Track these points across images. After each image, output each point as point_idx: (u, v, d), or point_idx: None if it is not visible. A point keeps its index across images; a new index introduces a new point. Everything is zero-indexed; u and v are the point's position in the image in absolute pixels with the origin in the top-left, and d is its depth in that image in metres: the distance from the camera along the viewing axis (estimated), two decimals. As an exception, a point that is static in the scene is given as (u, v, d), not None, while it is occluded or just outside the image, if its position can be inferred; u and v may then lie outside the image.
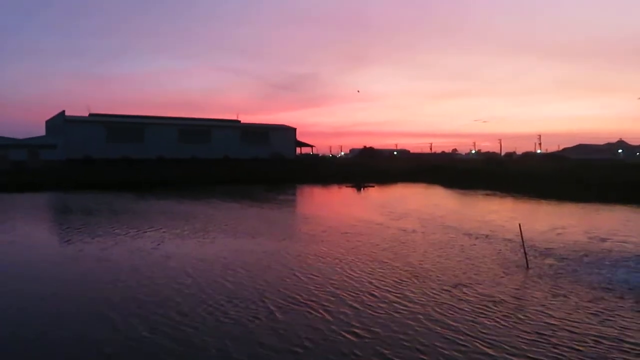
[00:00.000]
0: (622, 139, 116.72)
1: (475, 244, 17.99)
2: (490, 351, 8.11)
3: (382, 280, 12.82)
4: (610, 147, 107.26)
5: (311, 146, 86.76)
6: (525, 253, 14.96)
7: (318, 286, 12.26)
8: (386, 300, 11.05)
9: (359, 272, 13.78)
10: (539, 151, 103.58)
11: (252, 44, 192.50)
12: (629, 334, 8.91)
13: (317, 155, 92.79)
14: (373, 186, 52.00)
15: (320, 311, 10.29)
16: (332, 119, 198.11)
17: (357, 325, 9.44)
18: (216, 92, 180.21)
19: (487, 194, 41.51)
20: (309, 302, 10.88)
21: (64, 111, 69.74)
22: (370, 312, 10.28)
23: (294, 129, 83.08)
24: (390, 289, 12.01)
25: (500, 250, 16.84)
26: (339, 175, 60.84)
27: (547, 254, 15.89)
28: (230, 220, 24.97)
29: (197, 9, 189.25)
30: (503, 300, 10.98)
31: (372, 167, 69.56)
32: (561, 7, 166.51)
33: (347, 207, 33.08)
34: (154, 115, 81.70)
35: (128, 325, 9.50)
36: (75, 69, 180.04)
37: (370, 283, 12.61)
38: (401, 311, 10.30)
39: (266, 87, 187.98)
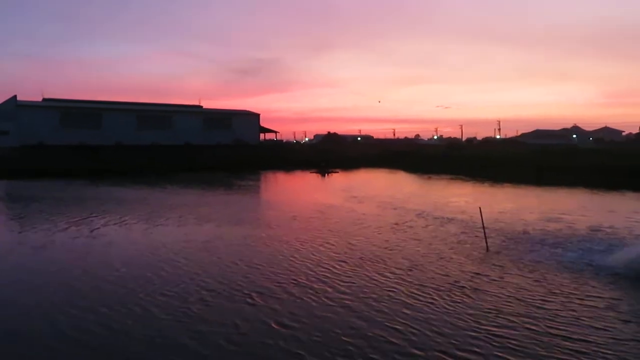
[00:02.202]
0: (577, 125, 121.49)
1: (436, 227, 18.33)
2: (444, 331, 8.21)
3: (337, 266, 12.70)
4: (566, 133, 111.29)
5: (275, 132, 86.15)
6: (485, 236, 15.31)
7: (262, 274, 11.95)
8: (339, 286, 10.93)
9: (311, 257, 13.66)
10: (498, 136, 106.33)
11: (214, 28, 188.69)
12: (577, 309, 9.27)
13: (281, 141, 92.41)
14: (337, 172, 52.16)
15: (256, 299, 9.99)
16: (296, 104, 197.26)
17: (294, 314, 9.10)
18: (177, 77, 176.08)
19: (449, 179, 42.33)
20: (246, 291, 10.49)
21: (15, 96, 66.59)
22: (313, 299, 9.98)
23: (258, 115, 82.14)
24: (343, 274, 11.88)
25: (460, 233, 17.21)
26: (303, 161, 60.68)
27: (506, 236, 16.34)
28: (185, 207, 24.52)
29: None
30: (460, 281, 11.20)
31: (336, 152, 69.71)
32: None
33: (310, 193, 33.09)
34: (112, 101, 79.08)
35: (52, 315, 9.17)
36: (28, 53, 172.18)
37: (320, 267, 12.49)
38: (354, 296, 10.24)
39: (229, 72, 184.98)
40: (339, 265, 12.70)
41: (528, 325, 8.40)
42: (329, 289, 10.59)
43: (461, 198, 28.28)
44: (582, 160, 43.11)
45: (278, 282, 11.19)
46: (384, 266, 12.52)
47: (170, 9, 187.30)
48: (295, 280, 11.37)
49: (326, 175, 49.59)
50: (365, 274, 11.78)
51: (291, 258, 13.50)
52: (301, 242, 15.56)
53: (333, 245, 15.21)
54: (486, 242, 14.95)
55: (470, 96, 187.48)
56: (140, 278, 11.65)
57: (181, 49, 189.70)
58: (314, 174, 50.82)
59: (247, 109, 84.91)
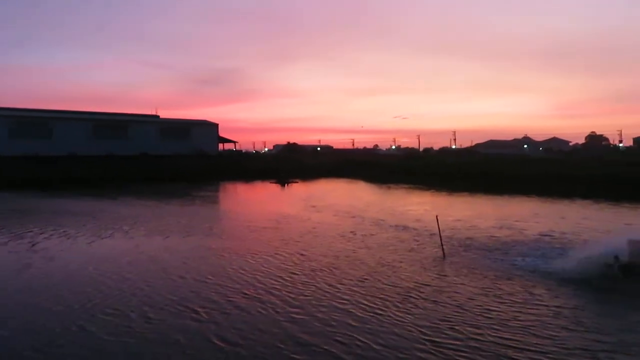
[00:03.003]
0: (527, 135, 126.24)
1: (392, 236, 18.28)
2: (390, 343, 8.03)
3: (288, 277, 12.37)
4: (517, 143, 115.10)
5: (234, 142, 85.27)
6: (442, 244, 15.33)
7: (210, 287, 11.49)
8: (287, 298, 10.61)
9: (261, 269, 13.26)
10: (454, 146, 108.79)
11: (173, 36, 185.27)
12: (523, 318, 9.27)
13: (241, 151, 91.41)
14: (297, 182, 51.89)
15: (201, 314, 9.53)
16: (256, 114, 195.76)
17: (239, 330, 8.72)
18: (133, 86, 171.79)
19: (408, 188, 42.72)
20: (192, 306, 10.02)
21: (-43, 104, 63.32)
22: (260, 313, 9.61)
23: (216, 125, 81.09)
24: (293, 286, 11.55)
25: (416, 241, 17.21)
26: (262, 171, 60.13)
27: (462, 244, 16.43)
28: (136, 219, 23.67)
29: (113, 1, 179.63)
30: (412, 291, 11.06)
31: (296, 163, 69.46)
32: (474, 10, 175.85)
33: (268, 203, 32.66)
34: (65, 110, 76.39)
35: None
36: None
37: (270, 279, 12.12)
38: (302, 308, 9.94)
39: (187, 81, 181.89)
40: (290, 276, 12.36)
41: (474, 336, 8.29)
42: (277, 302, 10.24)
43: (419, 207, 28.48)
44: (533, 170, 44.44)
45: (225, 296, 10.75)
46: (335, 276, 12.27)
47: (128, 16, 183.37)
48: (243, 293, 10.96)
49: (286, 185, 49.23)
50: (315, 285, 11.49)
51: (241, 270, 13.06)
52: (253, 254, 15.14)
53: (285, 255, 14.87)
54: (442, 250, 14.96)
55: (427, 107, 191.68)
56: (80, 294, 10.98)
57: (138, 57, 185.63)
58: (274, 184, 50.39)
59: (206, 119, 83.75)
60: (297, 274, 12.53)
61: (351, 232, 19.10)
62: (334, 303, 10.08)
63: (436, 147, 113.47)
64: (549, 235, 17.95)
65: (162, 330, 8.76)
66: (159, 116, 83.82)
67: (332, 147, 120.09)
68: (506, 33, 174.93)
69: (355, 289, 11.13)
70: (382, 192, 40.59)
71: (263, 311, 9.68)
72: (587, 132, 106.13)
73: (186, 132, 78.19)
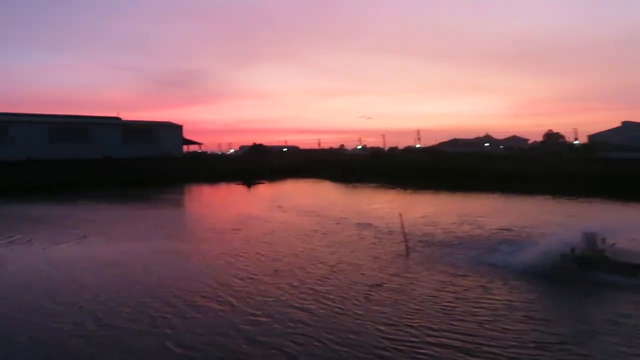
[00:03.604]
0: (488, 134, 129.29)
1: (356, 234, 18.31)
2: (346, 342, 8.02)
3: (248, 278, 12.23)
4: (479, 141, 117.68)
5: (199, 144, 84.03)
6: (405, 241, 15.41)
7: (167, 292, 11.18)
8: (247, 299, 10.46)
9: (223, 271, 13.07)
10: (418, 145, 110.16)
11: (135, 37, 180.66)
12: (479, 313, 9.40)
13: (206, 152, 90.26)
14: (263, 183, 51.52)
15: (157, 320, 9.30)
16: (221, 116, 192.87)
17: (196, 334, 8.58)
18: (95, 88, 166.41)
19: (374, 187, 42.96)
20: (147, 312, 9.75)
21: None
22: (217, 316, 9.45)
23: (181, 127, 79.72)
24: (253, 287, 11.41)
25: (380, 239, 17.27)
26: (228, 173, 59.42)
27: (425, 241, 16.56)
28: (96, 223, 22.87)
29: (73, 1, 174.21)
30: (371, 289, 11.08)
31: (262, 164, 68.94)
32: (436, 13, 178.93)
33: (234, 205, 32.26)
34: (22, 113, 73.63)
35: None
36: None
37: (231, 281, 11.92)
38: (260, 309, 9.83)
39: (151, 83, 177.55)
40: (250, 277, 12.19)
41: (430, 332, 8.34)
42: (237, 304, 10.07)
43: (384, 205, 28.65)
44: (495, 167, 45.44)
45: (184, 299, 10.49)
46: (296, 276, 12.16)
47: (89, 17, 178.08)
48: (202, 295, 10.74)
49: (252, 186, 48.79)
50: (275, 286, 11.35)
51: (201, 272, 12.80)
52: (214, 256, 14.87)
53: (247, 257, 14.67)
54: (407, 247, 15.03)
55: (392, 107, 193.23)
56: (31, 302, 10.53)
57: (100, 59, 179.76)
58: (240, 185, 49.86)
59: (171, 121, 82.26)
60: (258, 275, 12.37)
61: (314, 231, 19.03)
62: (293, 303, 9.98)
63: (401, 146, 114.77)
64: (509, 230, 18.34)
65: (115, 336, 8.47)
66: (120, 118, 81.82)
67: (298, 148, 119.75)
68: (468, 35, 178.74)
69: (316, 288, 11.06)
70: (348, 191, 40.71)
71: (221, 313, 9.50)
72: (545, 130, 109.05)
73: (150, 134, 76.59)
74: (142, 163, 64.68)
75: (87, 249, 16.66)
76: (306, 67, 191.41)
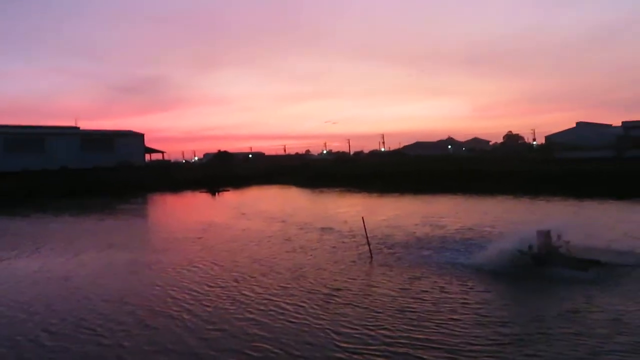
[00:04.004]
0: (451, 136, 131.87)
1: (319, 238, 18.11)
2: (309, 350, 7.81)
3: (204, 288, 11.81)
4: (442, 144, 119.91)
5: (162, 152, 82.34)
6: (368, 244, 15.29)
7: (118, 306, 10.72)
8: (201, 312, 10.07)
9: (178, 282, 12.59)
10: (383, 149, 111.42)
11: (92, 44, 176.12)
12: (438, 313, 9.33)
13: (169, 161, 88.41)
14: (228, 190, 50.85)
15: (105, 337, 8.87)
16: (184, 123, 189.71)
17: (143, 352, 8.18)
18: (52, 96, 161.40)
19: (340, 191, 42.95)
20: (94, 328, 9.30)
21: None
22: (168, 331, 9.04)
23: (142, 135, 78.01)
24: (207, 299, 10.97)
25: (342, 243, 17.12)
26: (193, 181, 58.47)
27: (388, 243, 16.50)
28: (49, 236, 21.92)
29: (24, 3, 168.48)
30: (333, 293, 10.89)
31: (227, 171, 68.16)
32: (397, 18, 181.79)
33: (197, 213, 31.57)
34: (-28, 124, 70.53)
35: None
36: None
37: (185, 292, 11.48)
38: (212, 323, 9.41)
39: (110, 90, 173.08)
40: (205, 289, 11.75)
41: (388, 339, 8.14)
42: (189, 317, 9.65)
43: (349, 209, 28.60)
44: (458, 169, 46.20)
45: (134, 315, 10.00)
46: (253, 286, 11.80)
47: (44, 22, 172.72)
48: (154, 310, 10.25)
49: (216, 194, 48.06)
50: (231, 297, 10.96)
51: (155, 285, 12.27)
52: (170, 267, 14.35)
53: (203, 267, 14.21)
54: (370, 251, 14.92)
55: (356, 111, 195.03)
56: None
57: (56, 66, 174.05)
58: (204, 193, 49.06)
59: (131, 129, 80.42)
60: (213, 286, 11.96)
61: (277, 237, 18.74)
62: (248, 314, 9.64)
63: (366, 150, 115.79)
64: (469, 230, 18.52)
65: (57, 358, 7.97)
66: (79, 128, 79.50)
67: (264, 154, 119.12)
68: (429, 39, 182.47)
69: (273, 296, 10.75)
70: (314, 197, 40.57)
71: (173, 328, 9.09)
72: (505, 131, 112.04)
73: (109, 144, 74.65)
74: (102, 173, 62.95)
75: (35, 264, 15.82)
76: (270, 72, 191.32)
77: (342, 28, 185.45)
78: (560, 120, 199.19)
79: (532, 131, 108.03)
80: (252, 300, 10.52)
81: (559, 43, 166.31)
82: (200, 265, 14.26)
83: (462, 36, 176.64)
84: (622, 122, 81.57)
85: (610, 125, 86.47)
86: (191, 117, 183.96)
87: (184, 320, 9.52)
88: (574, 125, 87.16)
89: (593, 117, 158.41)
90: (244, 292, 11.21)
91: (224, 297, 10.90)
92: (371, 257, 14.53)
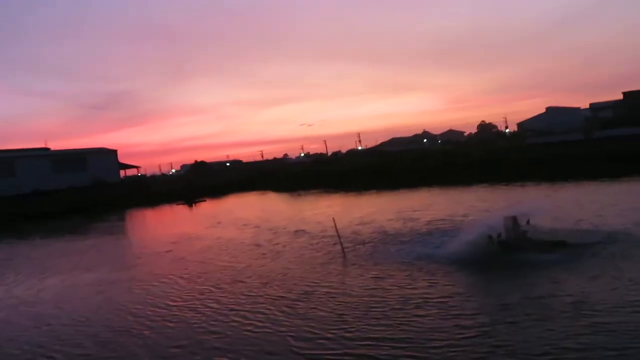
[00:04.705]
0: (426, 130, 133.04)
1: (293, 242, 17.84)
2: (295, 343, 7.60)
3: (168, 303, 11.44)
4: (418, 138, 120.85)
5: (136, 167, 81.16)
6: (341, 244, 15.09)
7: (78, 329, 10.26)
8: (165, 328, 9.70)
9: (142, 298, 12.17)
10: (360, 148, 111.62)
11: (57, 62, 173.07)
12: (407, 312, 9.15)
13: (145, 175, 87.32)
14: (205, 200, 50.31)
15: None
16: (158, 136, 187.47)
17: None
18: (19, 118, 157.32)
19: (318, 193, 42.75)
20: (49, 355, 8.96)
21: None
22: (129, 351, 8.66)
23: (115, 151, 76.70)
24: (171, 314, 10.58)
25: (315, 244, 16.87)
26: (169, 194, 57.69)
27: (362, 242, 16.28)
28: (13, 261, 21.26)
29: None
30: (302, 297, 10.63)
31: (204, 181, 67.50)
32: (366, 17, 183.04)
33: (172, 226, 31.03)
34: (-63, 152, 68.58)
35: None
36: None
37: (151, 309, 11.07)
38: (174, 340, 9.03)
39: (79, 108, 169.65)
40: (168, 304, 11.33)
41: (349, 348, 7.92)
42: (150, 335, 9.27)
43: (326, 209, 28.40)
44: (434, 162, 46.45)
45: (94, 337, 9.59)
46: (217, 297, 11.42)
47: (7, 42, 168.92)
48: (115, 331, 9.85)
49: (193, 205, 47.48)
50: (194, 310, 10.57)
51: (118, 304, 11.82)
52: (135, 284, 13.87)
53: (167, 281, 13.73)
54: (343, 250, 14.72)
55: (332, 112, 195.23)
56: None
57: (21, 87, 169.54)
58: (181, 205, 48.42)
59: (104, 146, 79.09)
60: (177, 300, 11.58)
61: (249, 243, 18.43)
62: (210, 328, 9.28)
63: (343, 150, 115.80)
64: (442, 221, 18.48)
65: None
66: (49, 149, 77.94)
67: (241, 161, 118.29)
68: (397, 36, 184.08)
69: (236, 308, 10.34)
70: (291, 200, 40.29)
71: (132, 348, 8.73)
72: (478, 121, 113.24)
73: (82, 162, 73.22)
74: (76, 193, 61.72)
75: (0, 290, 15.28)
76: (241, 79, 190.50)
77: (309, 31, 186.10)
78: (531, 106, 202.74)
79: (504, 119, 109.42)
80: (215, 312, 10.20)
81: (523, 30, 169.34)
82: (166, 279, 13.85)
83: (430, 31, 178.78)
84: (590, 104, 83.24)
85: (579, 108, 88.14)
86: (165, 129, 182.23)
87: (144, 337, 9.15)
88: (544, 110, 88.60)
89: (563, 101, 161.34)
90: (208, 304, 10.88)
91: (187, 311, 10.55)
92: (344, 256, 14.33)
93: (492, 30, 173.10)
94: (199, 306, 10.77)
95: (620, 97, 71.90)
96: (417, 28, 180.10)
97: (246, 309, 10.15)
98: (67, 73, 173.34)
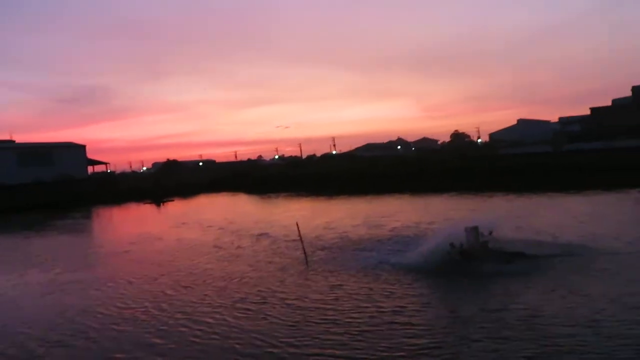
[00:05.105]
0: (400, 137, 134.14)
1: (255, 245, 17.50)
2: (242, 350, 7.32)
3: (115, 308, 10.93)
4: (392, 145, 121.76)
5: (105, 163, 79.31)
6: (303, 249, 14.81)
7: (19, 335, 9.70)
8: (106, 335, 9.26)
9: (90, 301, 11.70)
10: (334, 152, 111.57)
11: (28, 54, 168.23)
12: (363, 320, 8.97)
13: (113, 172, 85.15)
14: (173, 200, 49.40)
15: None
16: (131, 132, 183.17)
17: None
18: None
19: (289, 196, 42.40)
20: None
21: None
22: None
23: (84, 146, 74.88)
24: (111, 324, 9.96)
25: (278, 248, 16.59)
26: (137, 192, 56.50)
27: (324, 247, 16.05)
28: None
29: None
30: (258, 304, 10.32)
31: (175, 180, 66.36)
32: (346, 22, 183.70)
33: (136, 225, 30.26)
34: None
35: None
36: None
37: (92, 315, 10.53)
38: (118, 346, 8.65)
39: (49, 101, 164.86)
40: (116, 308, 10.88)
41: (292, 350, 7.70)
42: (88, 345, 8.79)
43: (294, 213, 28.08)
44: (407, 169, 46.63)
45: (27, 349, 8.93)
46: (169, 300, 11.04)
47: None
48: (52, 340, 9.28)
49: (161, 204, 46.54)
50: (139, 314, 10.17)
51: (64, 309, 11.25)
52: (86, 285, 13.31)
53: (122, 281, 13.29)
54: (305, 256, 14.43)
55: (308, 115, 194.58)
56: None
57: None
58: (148, 204, 47.43)
59: (73, 141, 77.21)
60: (122, 306, 11.03)
61: (211, 245, 18.02)
62: (151, 338, 8.78)
63: (318, 153, 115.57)
64: (407, 228, 18.41)
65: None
66: (14, 141, 75.64)
67: (214, 161, 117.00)
68: (376, 43, 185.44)
69: (182, 316, 9.85)
70: (261, 203, 39.88)
71: (78, 352, 8.31)
72: (452, 130, 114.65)
73: (49, 157, 71.23)
74: (41, 187, 59.97)
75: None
76: (217, 79, 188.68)
77: (288, 33, 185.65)
78: (503, 117, 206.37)
79: (477, 129, 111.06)
80: (165, 316, 9.80)
81: (499, 43, 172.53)
82: (119, 281, 13.34)
83: (408, 39, 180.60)
84: (559, 118, 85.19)
85: (549, 121, 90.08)
86: (138, 126, 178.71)
87: (81, 349, 8.65)
88: (516, 122, 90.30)
89: (534, 114, 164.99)
90: (153, 310, 10.39)
91: (136, 314, 10.12)
92: (306, 261, 14.06)
93: (468, 42, 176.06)
94: (145, 312, 10.32)
95: (588, 112, 73.85)
96: (397, 35, 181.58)
97: (197, 314, 9.78)
98: (38, 65, 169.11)
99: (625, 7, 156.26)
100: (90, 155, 76.41)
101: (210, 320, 9.27)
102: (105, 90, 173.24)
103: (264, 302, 10.27)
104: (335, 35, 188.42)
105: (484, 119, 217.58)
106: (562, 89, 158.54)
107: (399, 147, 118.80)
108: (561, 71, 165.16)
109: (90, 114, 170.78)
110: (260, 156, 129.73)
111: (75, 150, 74.00)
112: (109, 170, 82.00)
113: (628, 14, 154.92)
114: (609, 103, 72.17)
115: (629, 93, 69.06)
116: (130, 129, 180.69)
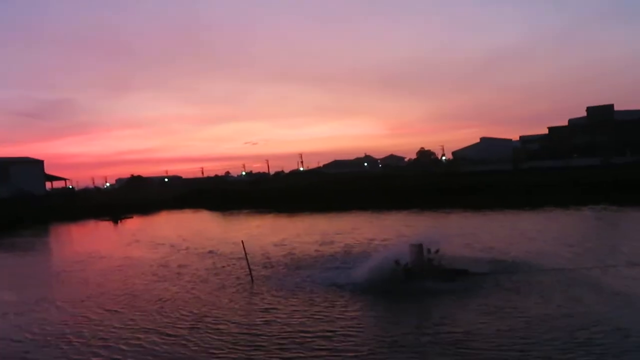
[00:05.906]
0: (368, 154, 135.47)
1: (202, 264, 16.95)
2: None
3: (50, 332, 10.30)
4: (359, 162, 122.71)
5: (65, 179, 77.09)
6: (249, 268, 14.40)
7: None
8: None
9: (22, 325, 10.92)
10: (301, 169, 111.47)
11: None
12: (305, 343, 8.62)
13: (73, 189, 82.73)
14: (132, 217, 48.07)
15: None
16: (95, 148, 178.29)
17: None
18: None
19: (250, 213, 41.80)
20: None
21: None
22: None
23: (41, 162, 72.66)
24: (47, 344, 9.51)
25: (226, 267, 16.12)
26: (97, 209, 54.70)
27: (270, 265, 15.69)
28: None
29: None
30: (205, 317, 9.95)
31: (137, 197, 64.82)
32: (315, 42, 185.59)
33: (87, 243, 29.13)
34: None
35: None
36: None
37: (23, 339, 9.88)
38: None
39: (7, 115, 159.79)
40: (36, 332, 10.17)
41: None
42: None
43: (252, 230, 27.68)
44: (371, 186, 46.81)
45: None
46: (101, 324, 10.40)
47: None
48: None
49: (119, 222, 45.19)
50: (63, 339, 9.51)
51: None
52: (13, 307, 12.52)
53: (50, 304, 12.54)
54: (250, 275, 14.01)
55: (275, 132, 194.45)
56: None
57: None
58: (106, 222, 45.97)
59: (32, 156, 74.78)
60: (40, 332, 10.25)
61: (155, 264, 17.36)
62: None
63: (286, 170, 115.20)
64: (359, 245, 18.26)
65: None
66: (-33, 156, 72.76)
67: (181, 177, 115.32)
68: (343, 62, 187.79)
69: (113, 342, 9.23)
70: (222, 220, 39.20)
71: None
72: (418, 148, 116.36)
73: (4, 172, 68.73)
74: (-5, 204, 57.58)
75: None
76: (184, 95, 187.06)
77: (256, 51, 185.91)
78: (467, 136, 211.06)
79: (441, 147, 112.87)
80: (74, 348, 9.02)
81: (463, 64, 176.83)
82: (42, 305, 12.53)
83: (375, 59, 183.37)
84: (520, 137, 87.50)
85: (511, 140, 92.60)
86: (103, 141, 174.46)
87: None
88: (479, 140, 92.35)
89: (496, 132, 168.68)
90: (71, 336, 9.68)
91: (44, 345, 9.33)
92: (251, 280, 13.64)
93: (435, 63, 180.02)
94: (68, 335, 9.69)
95: (547, 131, 76.20)
96: (364, 55, 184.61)
97: (115, 340, 9.19)
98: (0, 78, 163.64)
99: (581, 31, 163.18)
100: (53, 171, 74.36)
101: (124, 348, 8.69)
102: (71, 105, 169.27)
103: (192, 327, 9.75)
104: (303, 53, 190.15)
105: (448, 137, 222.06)
106: (522, 109, 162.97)
107: (365, 164, 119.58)
108: (524, 92, 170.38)
109: (54, 128, 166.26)
110: (227, 172, 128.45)
111: (33, 166, 71.64)
112: (69, 187, 79.63)
113: (583, 38, 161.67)
114: (566, 123, 74.70)
115: (584, 113, 71.68)
116: (95, 144, 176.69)
